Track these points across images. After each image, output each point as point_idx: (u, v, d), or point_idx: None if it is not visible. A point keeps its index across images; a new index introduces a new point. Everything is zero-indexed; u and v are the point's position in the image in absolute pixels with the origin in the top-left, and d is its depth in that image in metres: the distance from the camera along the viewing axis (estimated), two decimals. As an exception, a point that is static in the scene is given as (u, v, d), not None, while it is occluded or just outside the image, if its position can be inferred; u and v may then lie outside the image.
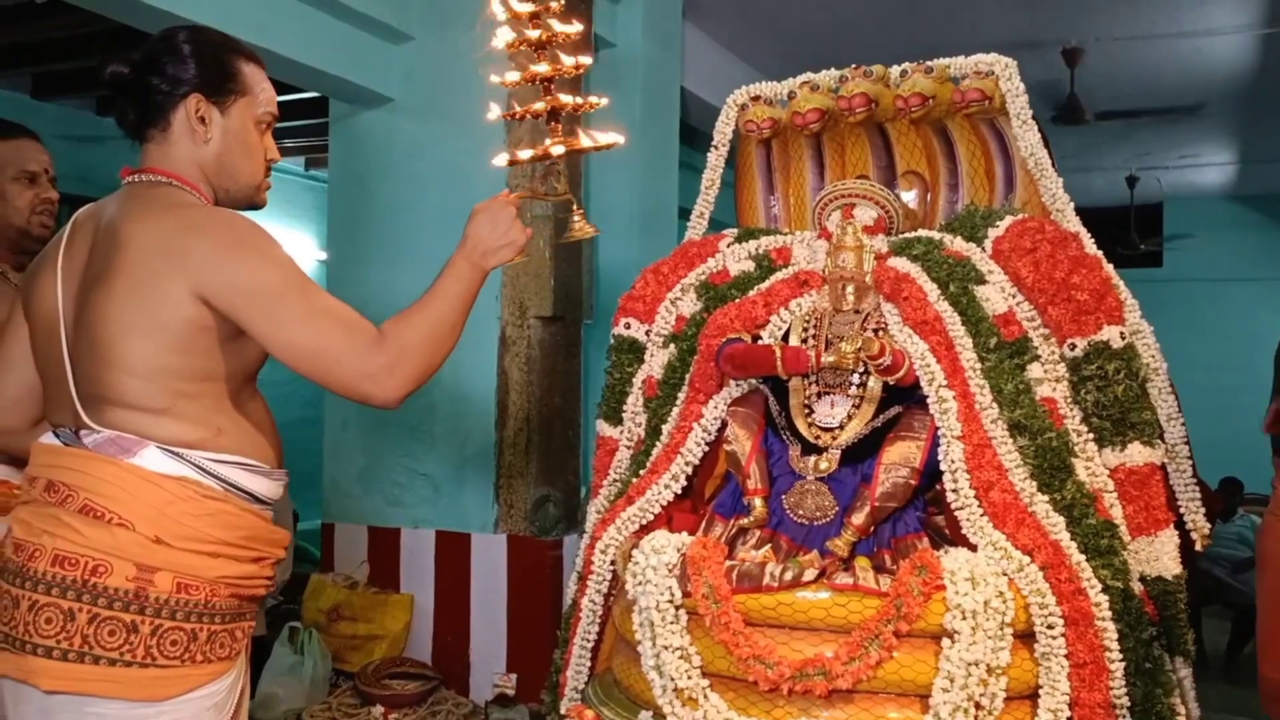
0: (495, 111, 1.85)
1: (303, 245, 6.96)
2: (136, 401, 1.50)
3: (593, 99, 1.81)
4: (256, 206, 1.71)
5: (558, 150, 1.75)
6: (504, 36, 1.76)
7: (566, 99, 1.77)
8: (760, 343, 2.21)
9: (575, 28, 1.76)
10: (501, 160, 1.82)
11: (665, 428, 2.32)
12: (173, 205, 1.55)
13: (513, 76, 1.77)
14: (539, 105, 1.78)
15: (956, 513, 1.93)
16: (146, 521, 1.47)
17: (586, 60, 1.78)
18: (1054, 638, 1.80)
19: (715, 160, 2.70)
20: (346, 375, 1.51)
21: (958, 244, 2.25)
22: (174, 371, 1.50)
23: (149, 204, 1.55)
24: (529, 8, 1.74)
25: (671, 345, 2.40)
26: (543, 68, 1.76)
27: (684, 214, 3.12)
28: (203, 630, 1.50)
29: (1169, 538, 2.03)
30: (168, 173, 1.59)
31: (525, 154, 1.81)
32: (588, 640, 2.27)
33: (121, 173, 1.64)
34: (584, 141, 1.77)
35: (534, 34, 1.74)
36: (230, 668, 1.57)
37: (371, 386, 1.51)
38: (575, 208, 1.82)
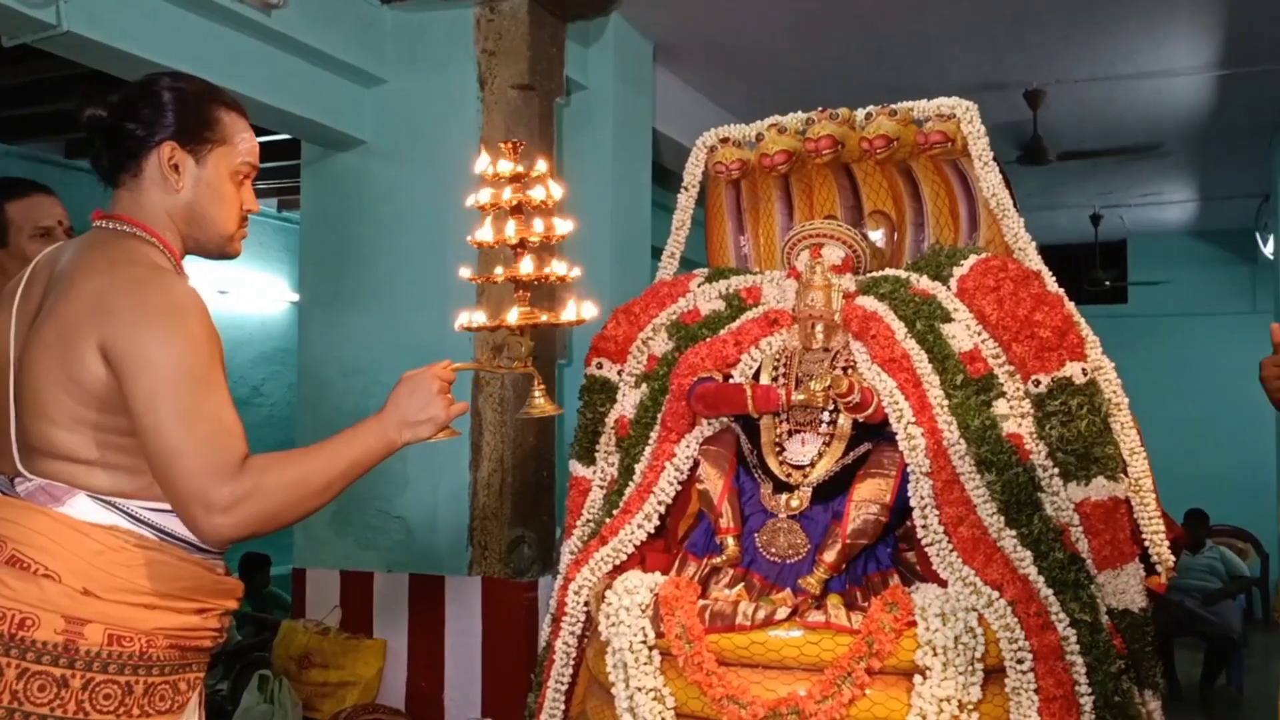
0: (467, 272, 1.77)
1: (275, 287, 6.95)
2: (67, 452, 1.46)
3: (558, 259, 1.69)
4: (229, 256, 1.68)
5: (513, 318, 1.65)
6: (483, 196, 1.67)
7: (532, 269, 1.66)
8: (731, 382, 2.23)
9: (556, 193, 1.66)
10: (461, 321, 1.70)
11: (638, 467, 2.33)
12: (123, 262, 1.51)
13: (485, 235, 1.67)
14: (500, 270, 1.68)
15: (927, 548, 1.95)
16: (74, 573, 1.43)
17: (566, 227, 1.66)
18: (1024, 672, 1.82)
19: (685, 201, 2.73)
20: (188, 491, 1.38)
21: (924, 282, 2.28)
22: (96, 424, 1.45)
23: (103, 256, 1.52)
24: (510, 168, 1.65)
25: (643, 385, 2.42)
26: (511, 231, 1.64)
27: (656, 253, 3.14)
28: (139, 683, 1.45)
29: (1134, 571, 2.05)
30: (134, 221, 1.56)
31: (479, 319, 1.69)
32: (561, 683, 2.25)
33: (93, 215, 1.62)
34: (548, 316, 1.67)
35: (509, 196, 1.64)
36: None
37: (203, 515, 1.38)
38: (536, 383, 1.68)
